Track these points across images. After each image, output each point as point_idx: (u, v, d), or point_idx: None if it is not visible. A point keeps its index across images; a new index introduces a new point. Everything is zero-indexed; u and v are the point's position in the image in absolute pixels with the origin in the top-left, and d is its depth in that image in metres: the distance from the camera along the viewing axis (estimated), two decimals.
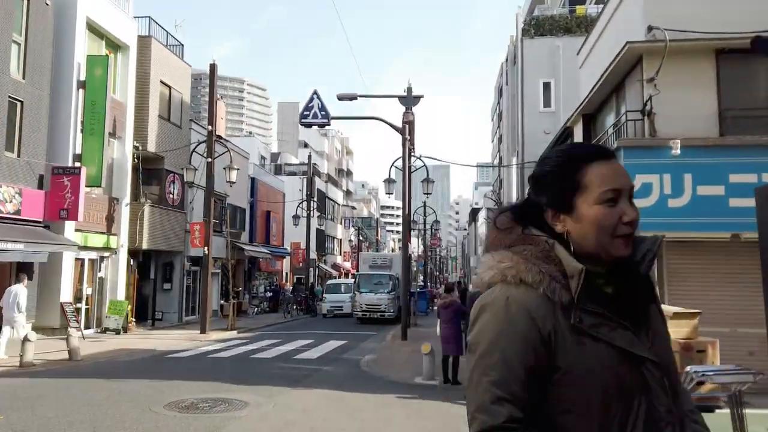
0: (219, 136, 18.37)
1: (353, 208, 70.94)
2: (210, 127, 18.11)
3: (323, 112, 16.92)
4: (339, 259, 52.45)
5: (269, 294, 31.85)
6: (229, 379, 9.34)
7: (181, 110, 22.29)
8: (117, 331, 17.40)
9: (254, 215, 31.31)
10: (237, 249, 27.20)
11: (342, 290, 28.28)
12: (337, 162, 70.94)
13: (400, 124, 17.98)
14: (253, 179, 31.38)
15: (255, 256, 29.73)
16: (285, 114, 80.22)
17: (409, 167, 17.65)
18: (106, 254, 18.12)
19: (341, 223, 54.66)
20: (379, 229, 73.77)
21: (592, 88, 11.91)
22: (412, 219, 17.89)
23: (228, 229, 24.54)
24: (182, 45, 22.70)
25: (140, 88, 19.52)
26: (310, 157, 33.38)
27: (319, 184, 45.24)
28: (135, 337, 16.61)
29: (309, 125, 16.97)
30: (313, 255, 39.04)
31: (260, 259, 31.33)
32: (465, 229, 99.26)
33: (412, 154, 19.10)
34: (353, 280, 27.49)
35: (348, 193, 74.85)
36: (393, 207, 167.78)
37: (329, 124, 16.96)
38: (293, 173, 44.58)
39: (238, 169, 18.42)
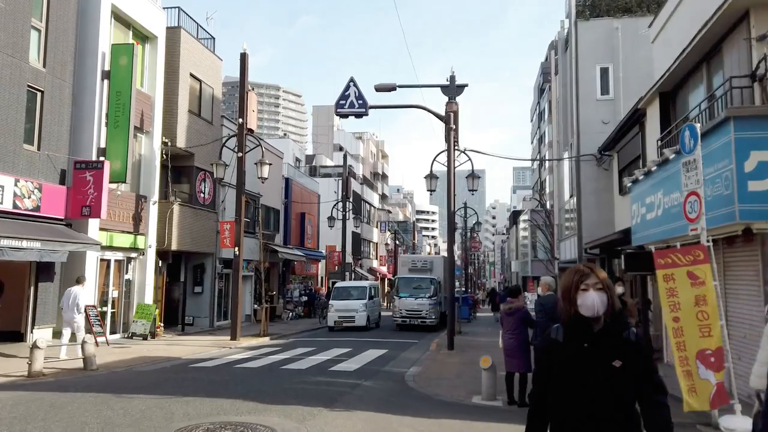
0: (250, 130, 17.28)
1: (389, 212, 69.65)
2: (240, 120, 17.01)
3: (360, 101, 15.59)
4: (375, 264, 51.11)
5: (304, 298, 30.69)
6: (255, 395, 8.02)
7: (212, 105, 21.35)
8: (144, 337, 16.41)
9: (288, 217, 30.27)
10: (270, 251, 26.16)
11: (354, 295, 22.35)
12: (372, 165, 69.85)
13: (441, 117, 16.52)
14: (287, 180, 30.36)
15: (289, 258, 28.63)
16: (319, 117, 79.64)
17: (454, 160, 16.13)
18: (134, 255, 17.19)
19: (377, 227, 53.35)
20: (415, 233, 72.16)
21: (676, 60, 10.20)
22: (454, 218, 16.35)
23: (261, 230, 23.48)
24: (213, 38, 21.82)
25: (169, 82, 18.62)
26: (345, 156, 32.18)
27: (354, 186, 44.07)
28: (162, 344, 15.56)
29: (345, 115, 15.69)
30: (349, 259, 37.84)
31: (295, 262, 30.23)
32: (503, 233, 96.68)
33: (456, 147, 17.56)
34: (393, 283, 26.01)
35: (383, 197, 73.67)
36: (428, 212, 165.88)
37: (367, 114, 15.64)
38: (328, 175, 43.54)
39: (270, 164, 17.25)
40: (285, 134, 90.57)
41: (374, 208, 52.87)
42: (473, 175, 17.93)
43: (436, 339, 17.51)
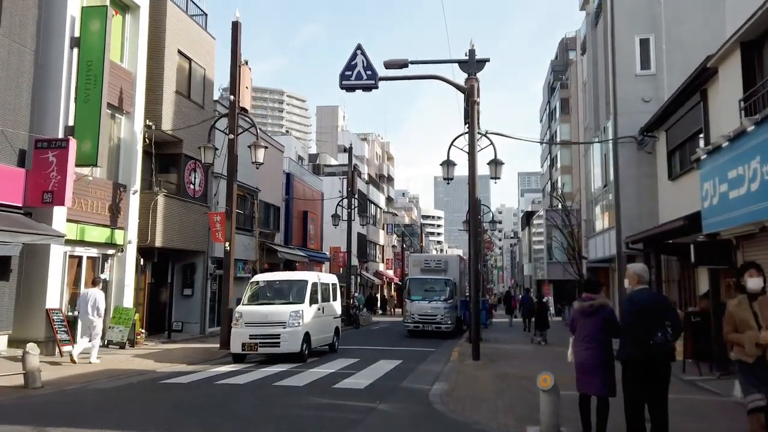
0: (243, 109, 15.20)
1: (395, 214, 67.54)
2: (232, 97, 14.91)
3: (369, 72, 13.48)
4: (381, 267, 48.93)
5: None
6: (232, 428, 5.86)
7: (204, 88, 19.28)
8: (122, 345, 14.27)
9: (290, 215, 28.15)
10: (269, 251, 24.04)
11: (280, 297, 13.54)
12: (377, 167, 67.80)
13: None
14: (288, 175, 28.26)
15: (291, 259, 26.48)
16: (323, 118, 77.81)
17: (475, 141, 13.96)
18: (110, 252, 15.07)
19: (383, 229, 51.19)
20: (423, 236, 69.97)
21: None
22: (477, 207, 14.10)
23: (258, 226, 21.39)
24: (205, 14, 19.78)
25: (153, 58, 16.56)
26: (350, 149, 30.06)
27: (359, 185, 41.97)
28: (140, 353, 13.42)
29: (352, 88, 13.59)
30: (355, 261, 35.67)
31: (296, 264, 28.05)
32: (512, 237, 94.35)
33: (477, 130, 15.38)
34: (402, 286, 23.75)
35: (389, 200, 71.62)
36: (434, 217, 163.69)
37: (376, 86, 13.53)
38: (332, 174, 41.43)
39: (265, 146, 15.15)
40: (287, 131, 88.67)
41: (380, 209, 50.75)
42: (495, 161, 15.70)
43: (456, 347, 15.29)
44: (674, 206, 13.61)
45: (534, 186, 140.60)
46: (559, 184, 49.26)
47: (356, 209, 30.09)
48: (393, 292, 50.95)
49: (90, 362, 11.55)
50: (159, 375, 10.11)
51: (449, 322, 19.92)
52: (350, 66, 13.50)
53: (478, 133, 15.27)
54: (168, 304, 18.31)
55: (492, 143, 16.37)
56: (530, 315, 27.35)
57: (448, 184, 16.28)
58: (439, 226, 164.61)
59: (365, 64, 13.45)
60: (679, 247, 13.89)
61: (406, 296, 20.96)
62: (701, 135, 11.96)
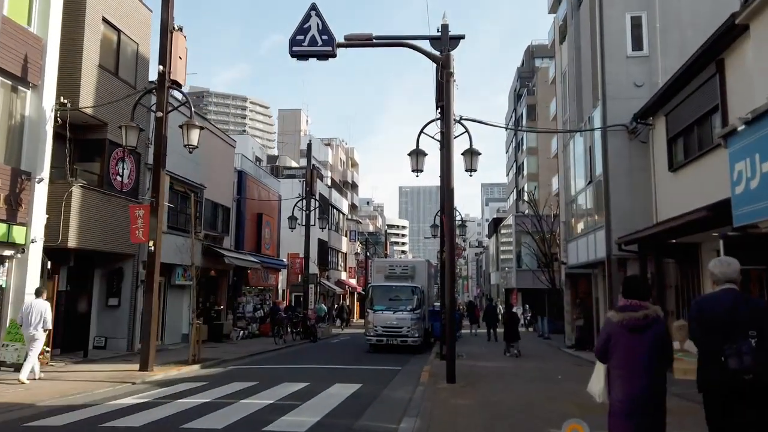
0: (176, 83, 12.75)
1: (358, 222, 65.29)
2: (161, 68, 12.44)
3: (325, 36, 11.26)
4: (343, 275, 46.50)
5: (260, 313, 25.89)
6: None
7: (137, 65, 16.70)
8: (17, 367, 11.50)
9: (242, 217, 25.55)
10: (216, 255, 21.43)
11: None
12: (341, 173, 65.53)
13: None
14: (240, 173, 25.69)
15: (241, 266, 23.88)
16: (285, 122, 75.16)
17: (451, 124, 11.88)
18: (8, 252, 12.33)
19: (346, 235, 48.83)
20: (387, 244, 67.88)
21: None
22: (453, 196, 11.85)
23: (194, 225, 18.79)
24: None
25: (71, 24, 13.96)
26: (309, 145, 27.71)
27: (321, 188, 39.62)
28: (35, 377, 10.73)
29: (304, 55, 11.34)
30: (315, 269, 33.22)
31: (248, 271, 25.47)
32: (477, 246, 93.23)
33: (453, 117, 13.28)
34: (365, 294, 21.50)
35: (353, 207, 69.39)
36: (399, 226, 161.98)
37: (334, 54, 11.34)
38: (292, 176, 38.93)
39: (200, 128, 12.70)
40: (244, 130, 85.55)
41: (343, 215, 48.41)
42: (471, 151, 13.63)
43: (426, 366, 13.08)
44: (677, 200, 11.81)
45: (497, 196, 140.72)
46: (526, 192, 47.92)
47: (317, 210, 27.73)
48: (356, 303, 48.60)
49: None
50: (34, 412, 7.55)
51: (416, 335, 17.74)
52: (303, 29, 11.27)
53: (453, 119, 13.16)
54: (88, 316, 15.57)
55: (467, 131, 14.33)
56: (494, 325, 26.34)
57: (417, 176, 14.12)
58: (403, 235, 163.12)
59: (320, 28, 11.24)
60: (681, 249, 12.10)
61: (369, 306, 18.69)
62: (715, 114, 10.18)
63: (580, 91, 17.39)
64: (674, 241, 11.66)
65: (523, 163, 59.63)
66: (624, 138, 14.25)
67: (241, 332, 23.23)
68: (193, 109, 12.88)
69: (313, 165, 36.12)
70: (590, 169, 15.98)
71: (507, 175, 74.27)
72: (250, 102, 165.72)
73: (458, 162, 15.47)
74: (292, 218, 24.87)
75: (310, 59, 11.44)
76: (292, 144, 58.56)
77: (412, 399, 8.66)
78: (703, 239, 11.26)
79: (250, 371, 12.69)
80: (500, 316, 25.52)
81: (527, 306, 33.14)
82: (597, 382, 4.21)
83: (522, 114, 61.77)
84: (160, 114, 12.39)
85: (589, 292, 19.32)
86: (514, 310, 23.14)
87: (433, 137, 15.14)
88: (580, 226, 17.69)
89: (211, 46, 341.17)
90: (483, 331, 27.01)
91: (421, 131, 14.67)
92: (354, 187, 72.54)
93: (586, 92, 16.74)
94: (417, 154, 13.96)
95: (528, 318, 31.39)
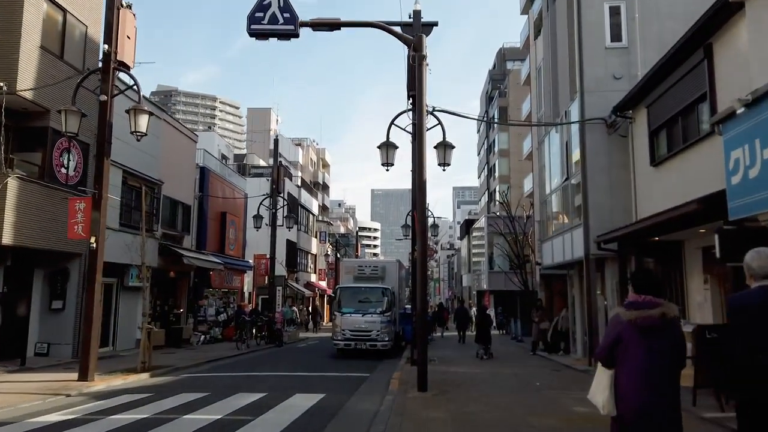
0: (123, 65, 11.63)
1: (329, 223, 64.22)
2: (106, 47, 11.32)
3: (287, 14, 10.32)
4: (313, 278, 45.39)
5: (222, 317, 24.66)
6: None
7: (85, 49, 15.46)
8: None
9: (204, 216, 24.32)
10: (174, 255, 20.20)
11: None
12: (312, 174, 64.35)
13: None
14: (203, 169, 24.46)
15: (202, 267, 22.66)
16: (254, 121, 73.60)
17: (421, 110, 11.05)
18: None
19: (316, 236, 47.72)
20: (359, 246, 66.95)
21: None
22: (425, 187, 10.93)
23: (142, 223, 17.65)
24: None
25: (7, 1, 12.74)
26: (276, 141, 26.62)
27: (290, 187, 38.51)
28: None
29: (263, 34, 10.39)
30: (281, 270, 32.11)
31: (211, 272, 24.24)
32: (449, 248, 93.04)
33: (426, 107, 12.47)
34: (335, 295, 20.54)
35: (324, 209, 68.31)
36: (370, 229, 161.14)
37: (296, 34, 10.42)
38: (260, 175, 37.68)
39: (150, 113, 11.57)
40: (209, 127, 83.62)
41: (313, 215, 47.30)
42: (445, 144, 12.83)
43: (397, 371, 12.22)
44: (659, 196, 11.23)
45: (469, 199, 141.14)
46: (498, 193, 47.65)
47: (285, 209, 26.65)
48: (326, 306, 47.50)
49: None
50: None
51: (387, 339, 16.87)
52: (262, 6, 10.30)
53: (426, 110, 12.34)
54: (28, 320, 14.24)
55: (440, 122, 13.60)
56: (465, 327, 26.01)
57: (387, 170, 13.26)
58: (375, 238, 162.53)
59: (282, 4, 10.30)
60: (663, 247, 11.53)
61: (337, 308, 17.73)
62: (702, 103, 9.60)
63: (555, 86, 16.81)
64: (657, 238, 11.09)
65: (494, 165, 59.53)
66: (603, 132, 13.68)
67: (202, 337, 22.01)
68: (141, 93, 11.75)
69: (281, 162, 35.01)
70: (567, 165, 15.38)
71: (479, 177, 74.20)
72: (220, 102, 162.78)
73: (431, 161, 14.66)
74: (258, 217, 23.74)
75: (270, 39, 10.46)
76: (261, 143, 57.13)
77: (379, 411, 7.78)
78: (688, 236, 10.72)
79: (204, 380, 11.63)
80: (473, 318, 25.03)
81: (501, 308, 32.65)
82: (600, 391, 3.55)
83: (494, 116, 61.68)
84: (104, 97, 11.25)
85: (564, 293, 18.78)
86: (488, 312, 22.56)
87: (404, 129, 14.36)
88: (556, 225, 17.10)
89: (180, 46, 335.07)
90: (452, 334, 26.60)
91: (392, 122, 13.85)
92: (325, 188, 71.40)
93: (562, 87, 16.16)
94: (387, 147, 13.10)
95: (501, 320, 30.84)
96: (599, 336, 13.03)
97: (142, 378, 11.83)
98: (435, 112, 13.57)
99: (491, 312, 29.63)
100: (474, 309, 33.14)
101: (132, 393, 9.68)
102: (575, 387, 10.03)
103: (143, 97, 11.98)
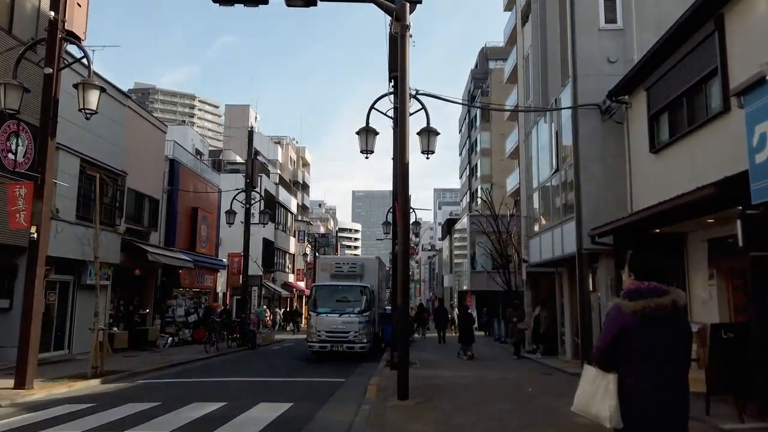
0: (72, 34, 10.41)
1: (309, 223, 62.95)
2: (53, 14, 10.09)
3: None
4: (291, 278, 44.13)
5: (193, 318, 23.35)
6: None
7: (38, 25, 14.12)
8: None
9: (174, 211, 22.99)
10: (138, 252, 18.89)
11: None
12: (291, 173, 63.03)
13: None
14: (173, 162, 23.13)
15: (170, 264, 21.35)
16: (233, 118, 71.96)
17: (404, 85, 10.04)
18: None
19: (294, 236, 46.46)
20: (338, 246, 65.81)
21: None
22: (408, 171, 9.86)
23: (96, 214, 16.37)
24: None
25: None
26: (251, 132, 25.40)
27: (267, 184, 37.26)
28: None
29: (229, 0, 9.31)
30: (255, 270, 30.85)
31: (180, 271, 22.92)
32: (430, 249, 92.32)
33: (409, 91, 11.45)
34: (310, 294, 19.44)
35: (304, 209, 67.02)
36: (351, 230, 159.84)
37: (265, 1, 9.37)
38: (236, 170, 36.34)
39: (102, 89, 10.37)
40: (184, 121, 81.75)
41: (291, 214, 46.03)
42: (429, 131, 11.82)
43: (375, 376, 11.18)
44: (659, 185, 10.38)
45: (451, 198, 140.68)
46: (482, 190, 46.93)
47: (261, 204, 25.46)
48: (304, 305, 46.24)
49: None
50: None
51: (365, 341, 15.81)
52: None
53: (409, 94, 11.31)
54: None
55: (424, 107, 12.58)
56: (445, 327, 25.50)
57: (366, 158, 12.23)
58: (356, 239, 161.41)
59: None
60: (665, 240, 10.67)
61: (312, 308, 16.63)
62: (710, 81, 8.75)
63: (545, 74, 15.95)
64: (658, 230, 10.22)
65: (476, 164, 59.00)
66: (596, 119, 12.83)
67: (170, 339, 20.70)
68: (92, 68, 10.54)
69: (256, 155, 33.77)
70: (557, 156, 14.51)
71: (460, 177, 73.64)
72: (199, 100, 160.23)
73: (413, 145, 13.70)
74: (230, 212, 22.51)
75: (236, 5, 9.36)
76: (238, 139, 55.62)
77: (353, 424, 6.74)
78: (692, 228, 9.87)
79: (160, 387, 10.44)
80: (456, 318, 24.26)
81: (485, 309, 31.86)
82: (599, 400, 2.96)
83: (476, 115, 61.19)
84: (49, 70, 10.03)
85: (552, 292, 17.92)
86: (470, 311, 21.68)
87: (385, 114, 13.33)
88: (544, 220, 16.23)
89: (159, 46, 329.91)
90: (433, 335, 25.95)
91: (372, 106, 12.82)
92: (305, 187, 70.10)
93: (552, 74, 15.31)
94: (367, 133, 12.08)
95: (485, 321, 30.00)
96: (593, 336, 12.14)
97: (91, 385, 10.61)
98: (419, 96, 12.62)
99: (473, 312, 28.84)
100: (456, 309, 32.30)
101: (73, 403, 8.48)
102: (571, 393, 9.08)
103: (94, 72, 10.75)
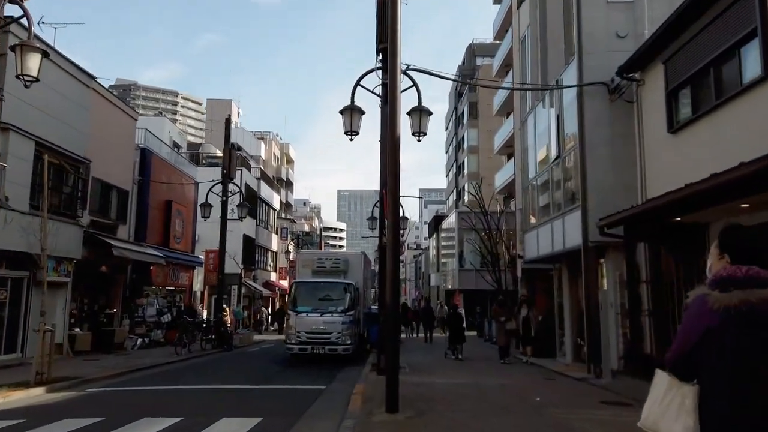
0: None
1: (293, 221, 61.47)
2: None
3: None
4: (273, 276, 42.66)
5: (166, 318, 21.90)
6: None
7: None
8: None
9: (145, 203, 21.49)
10: (103, 246, 17.41)
11: None
12: (275, 169, 61.53)
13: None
14: (144, 151, 21.62)
15: (139, 260, 19.86)
16: (214, 112, 70.21)
17: (394, 50, 8.78)
18: None
19: (277, 233, 44.99)
20: (323, 244, 64.44)
21: None
22: (398, 144, 8.62)
23: (43, 200, 14.94)
24: None
25: None
26: (228, 119, 23.94)
27: (249, 179, 35.81)
28: None
29: None
30: (233, 268, 29.42)
31: (152, 267, 21.44)
32: (416, 248, 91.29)
33: (399, 63, 10.18)
34: (290, 292, 18.16)
35: (288, 206, 65.52)
36: (336, 229, 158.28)
37: None
38: (215, 164, 34.81)
39: (44, 53, 8.96)
40: (160, 112, 79.82)
41: (274, 210, 44.55)
42: (420, 109, 10.57)
43: (360, 383, 9.91)
44: (679, 169, 9.26)
45: (437, 197, 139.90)
46: (471, 185, 45.92)
47: (241, 196, 24.06)
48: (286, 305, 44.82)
49: None
50: None
51: (349, 342, 14.55)
52: None
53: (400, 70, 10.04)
54: None
55: (415, 84, 11.35)
56: (431, 326, 24.69)
57: (351, 140, 10.95)
58: (341, 238, 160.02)
59: None
60: (684, 231, 9.55)
61: (291, 307, 15.31)
62: (745, 46, 7.64)
63: (544, 54, 14.82)
64: (679, 219, 9.10)
65: (463, 162, 58.15)
66: (603, 99, 11.71)
67: (139, 341, 19.24)
68: (33, 30, 9.13)
69: (238, 149, 32.35)
70: (558, 142, 13.37)
71: (447, 175, 72.73)
72: (182, 97, 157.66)
73: (404, 125, 12.49)
74: (206, 205, 21.10)
75: None
76: (220, 133, 53.97)
77: None
78: (717, 216, 8.75)
79: (111, 397, 9.08)
80: (446, 317, 23.19)
81: (478, 308, 30.80)
82: (674, 417, 2.24)
83: (463, 112, 60.39)
84: None
85: (549, 290, 16.81)
86: (459, 311, 20.54)
87: (372, 91, 12.08)
88: (543, 211, 15.10)
89: (141, 43, 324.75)
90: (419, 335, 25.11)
91: (358, 82, 11.54)
92: (289, 185, 68.60)
93: (552, 53, 14.18)
94: (352, 111, 10.84)
95: (478, 321, 28.86)
96: (601, 338, 11.02)
97: (32, 395, 9.21)
98: (409, 71, 11.39)
99: (462, 311, 27.75)
100: (445, 308, 31.19)
101: (4, 420, 7.11)
102: (584, 404, 7.94)
103: (35, 35, 9.34)
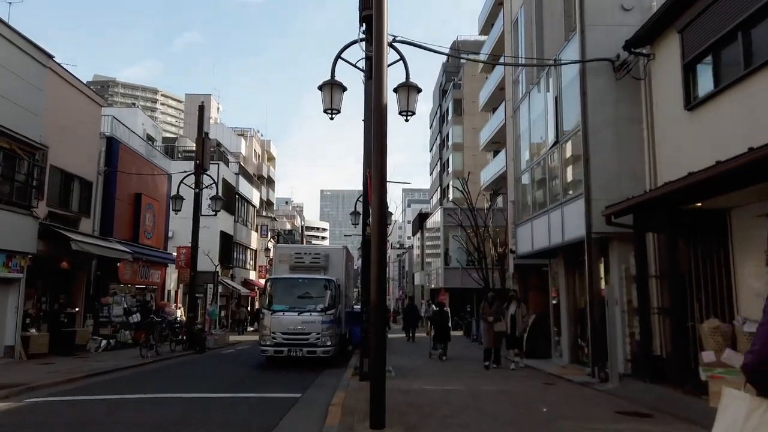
0: None
1: (274, 219, 60.00)
2: None
3: None
4: (252, 275, 41.23)
5: (135, 318, 20.46)
6: None
7: None
8: None
9: (111, 195, 20.04)
10: (60, 239, 16.00)
11: None
12: (256, 167, 60.01)
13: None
14: (110, 140, 20.17)
15: (104, 256, 18.44)
16: (193, 107, 68.40)
17: (380, 13, 7.65)
18: None
19: (257, 230, 43.56)
20: (305, 243, 63.05)
21: None
22: (385, 117, 7.55)
23: (12, 198, 13.57)
24: None
25: None
26: (202, 106, 22.58)
27: (226, 173, 34.41)
28: None
29: None
30: (210, 266, 28.05)
31: (119, 264, 20.00)
32: (399, 248, 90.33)
33: (386, 34, 9.04)
34: (264, 289, 16.93)
35: (269, 204, 64.06)
36: (319, 228, 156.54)
37: None
38: (190, 158, 33.30)
39: None
40: (134, 104, 77.83)
41: (253, 207, 43.12)
42: (408, 85, 9.44)
43: (340, 390, 8.76)
44: (697, 149, 8.30)
45: (419, 197, 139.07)
46: (459, 180, 44.99)
47: (214, 188, 22.72)
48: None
49: None
50: None
51: (329, 344, 13.37)
52: None
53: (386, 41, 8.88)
54: None
55: (402, 58, 10.27)
56: (414, 325, 23.98)
57: (332, 119, 9.81)
58: (324, 237, 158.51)
59: None
60: (702, 217, 8.58)
61: (266, 305, 14.09)
62: None
63: (540, 32, 13.80)
64: (700, 204, 8.12)
65: (448, 160, 57.36)
66: (607, 77, 10.71)
67: (103, 342, 17.82)
68: None
69: (206, 136, 31.00)
70: (557, 126, 12.35)
71: (431, 174, 71.88)
72: (162, 95, 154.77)
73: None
74: (177, 197, 19.75)
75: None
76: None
77: None
78: (739, 202, 7.79)
79: (51, 409, 7.81)
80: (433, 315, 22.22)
81: (469, 307, 29.85)
82: None
83: (448, 109, 59.57)
84: None
85: (542, 287, 15.81)
86: (445, 309, 19.51)
87: (355, 65, 10.94)
88: (538, 202, 14.09)
89: (121, 40, 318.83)
90: (399, 336, 24.21)
91: (339, 55, 10.39)
92: (270, 182, 67.07)
93: (550, 30, 13.16)
94: (332, 87, 9.72)
95: (466, 321, 27.85)
96: (607, 338, 10.00)
97: None
98: (396, 43, 10.31)
99: (447, 309, 26.77)
100: (432, 306, 30.17)
101: None
102: (598, 415, 6.90)
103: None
